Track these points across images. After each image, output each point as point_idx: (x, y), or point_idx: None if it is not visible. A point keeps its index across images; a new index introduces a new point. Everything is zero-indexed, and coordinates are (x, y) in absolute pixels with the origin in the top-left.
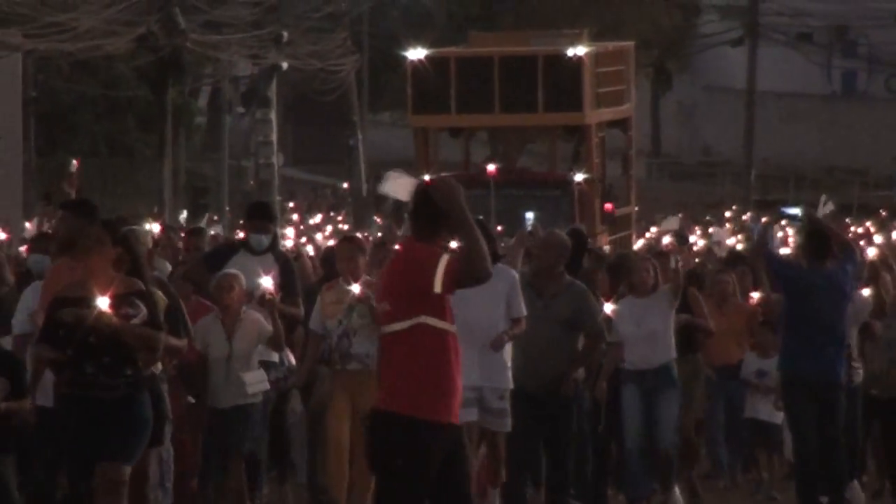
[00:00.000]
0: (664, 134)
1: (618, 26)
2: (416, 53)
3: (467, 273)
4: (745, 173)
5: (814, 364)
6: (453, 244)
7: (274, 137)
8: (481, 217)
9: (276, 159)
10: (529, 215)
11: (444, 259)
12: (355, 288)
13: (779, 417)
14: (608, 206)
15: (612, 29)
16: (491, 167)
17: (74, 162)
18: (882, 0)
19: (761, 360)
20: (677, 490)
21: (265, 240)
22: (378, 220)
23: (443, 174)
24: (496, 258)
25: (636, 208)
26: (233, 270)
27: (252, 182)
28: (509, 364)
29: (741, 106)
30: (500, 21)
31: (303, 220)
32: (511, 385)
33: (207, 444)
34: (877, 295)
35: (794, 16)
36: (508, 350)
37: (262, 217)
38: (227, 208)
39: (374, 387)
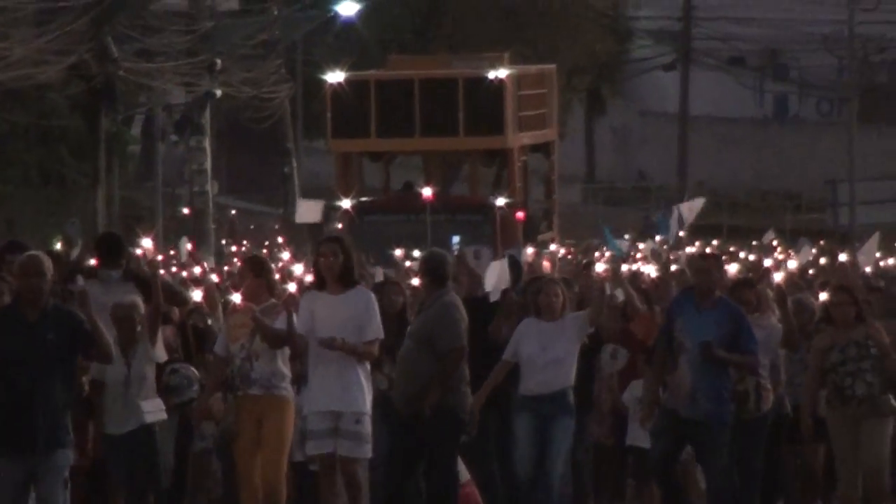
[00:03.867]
0: (598, 159)
1: (551, 52)
2: (335, 77)
3: None
4: (678, 198)
5: None
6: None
7: (208, 165)
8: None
9: (211, 187)
10: (455, 239)
11: None
12: (236, 297)
13: None
14: (520, 214)
15: (546, 54)
16: (427, 191)
17: None
18: (812, 24)
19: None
20: None
21: (115, 275)
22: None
23: (364, 199)
24: (354, 282)
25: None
26: (131, 298)
27: (185, 210)
28: (367, 388)
29: (675, 130)
30: (433, 48)
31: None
32: (369, 409)
33: (106, 472)
34: (787, 323)
35: (726, 40)
36: (366, 373)
37: (112, 253)
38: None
39: (276, 411)
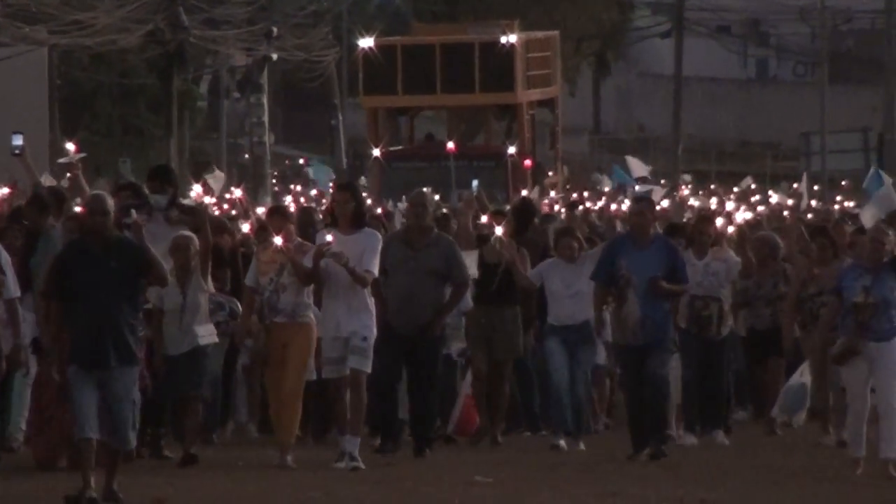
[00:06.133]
0: (604, 114)
1: (563, 21)
2: (366, 42)
3: None
4: (673, 147)
5: None
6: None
7: (265, 119)
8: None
9: (268, 138)
10: (475, 183)
11: None
12: (277, 240)
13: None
14: (527, 162)
15: (558, 24)
16: (450, 144)
17: (71, 148)
18: None
19: None
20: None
21: (161, 200)
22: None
23: (397, 148)
24: (363, 224)
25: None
26: (188, 232)
27: (247, 156)
28: (372, 313)
29: (670, 89)
30: (461, 18)
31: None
32: (374, 331)
33: (163, 389)
34: (744, 256)
35: (715, 11)
36: (371, 302)
37: (160, 179)
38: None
39: (299, 335)
